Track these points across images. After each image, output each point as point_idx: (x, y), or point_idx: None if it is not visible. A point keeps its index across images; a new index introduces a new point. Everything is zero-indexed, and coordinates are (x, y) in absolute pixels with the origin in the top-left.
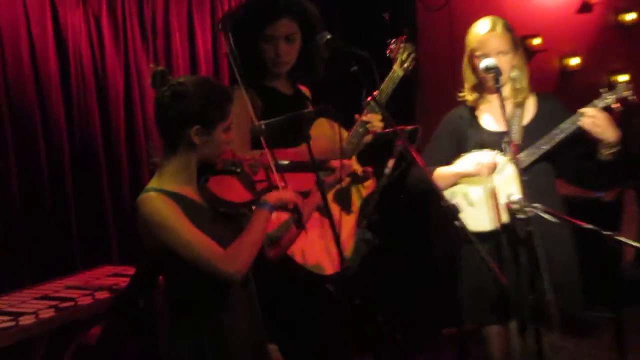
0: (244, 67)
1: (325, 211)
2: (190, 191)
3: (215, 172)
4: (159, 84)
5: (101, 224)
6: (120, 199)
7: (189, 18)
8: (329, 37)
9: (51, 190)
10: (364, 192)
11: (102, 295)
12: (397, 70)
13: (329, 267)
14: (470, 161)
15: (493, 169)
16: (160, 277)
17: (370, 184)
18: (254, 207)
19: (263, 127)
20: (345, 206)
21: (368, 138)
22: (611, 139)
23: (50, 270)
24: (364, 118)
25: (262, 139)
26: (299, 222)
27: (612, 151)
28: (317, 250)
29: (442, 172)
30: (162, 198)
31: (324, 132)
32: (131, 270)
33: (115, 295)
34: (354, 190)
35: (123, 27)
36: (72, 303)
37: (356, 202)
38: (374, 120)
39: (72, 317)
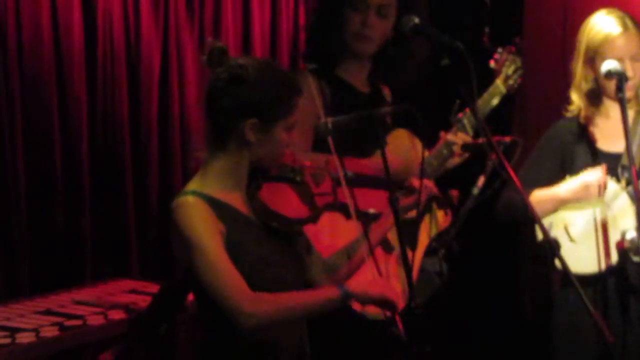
0: (318, 42)
1: (388, 242)
2: (237, 199)
3: (270, 177)
4: (216, 63)
5: (121, 229)
6: (146, 201)
7: None
8: (416, 21)
9: (64, 185)
10: (442, 222)
11: (116, 315)
12: (499, 86)
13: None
14: (575, 184)
15: (604, 187)
16: (189, 299)
17: (449, 212)
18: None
19: (330, 125)
20: (413, 240)
21: (452, 162)
22: None
23: (56, 279)
24: (451, 137)
25: (330, 142)
26: (392, 322)
27: None
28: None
29: (539, 197)
30: (201, 205)
31: (401, 146)
32: (153, 288)
33: (132, 316)
34: (426, 219)
35: None
36: (80, 322)
37: (427, 234)
38: (462, 143)
39: (80, 339)
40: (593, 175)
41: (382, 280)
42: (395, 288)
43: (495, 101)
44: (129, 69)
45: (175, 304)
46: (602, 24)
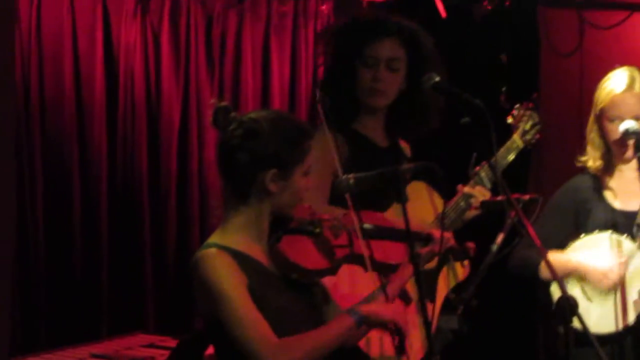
0: (334, 104)
1: (406, 293)
2: (258, 251)
3: (290, 230)
4: (221, 123)
5: (138, 283)
6: (163, 255)
7: (265, 42)
8: (437, 79)
9: (82, 238)
10: (460, 274)
11: None
12: (516, 141)
13: None
14: (593, 265)
15: (618, 283)
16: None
17: (467, 264)
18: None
19: (352, 181)
20: (431, 292)
21: (470, 214)
22: None
23: (72, 333)
24: (468, 190)
25: (347, 198)
26: (400, 348)
27: None
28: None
29: (553, 261)
30: (224, 258)
31: (419, 199)
32: (170, 342)
33: None
34: (445, 271)
35: (186, 47)
36: None
37: (446, 285)
38: (480, 196)
39: None
40: (615, 267)
41: (393, 305)
42: (414, 340)
43: (511, 156)
44: (149, 124)
45: (194, 357)
46: (611, 82)
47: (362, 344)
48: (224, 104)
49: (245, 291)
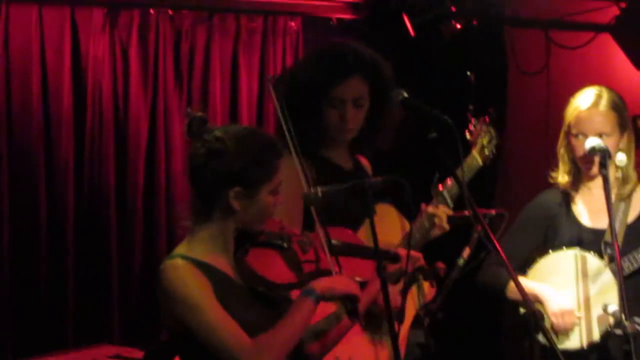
0: (299, 133)
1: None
2: (223, 263)
3: (257, 243)
4: (195, 134)
5: (104, 294)
6: (129, 266)
7: (234, 58)
8: (405, 95)
9: (47, 250)
10: (428, 293)
11: None
12: (475, 157)
13: None
14: (553, 298)
15: (569, 329)
16: None
17: (435, 285)
18: (296, 293)
19: (319, 194)
20: (399, 314)
21: (434, 234)
22: None
23: (38, 344)
24: (432, 210)
25: (312, 210)
26: (354, 312)
27: None
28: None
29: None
30: (190, 268)
31: (387, 221)
32: (136, 353)
33: None
34: (413, 290)
35: (154, 61)
36: None
37: (414, 305)
38: (443, 215)
39: None
40: (569, 305)
41: (344, 277)
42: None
43: (472, 172)
44: (117, 138)
45: None
46: (578, 99)
47: None
48: (200, 114)
49: (213, 298)
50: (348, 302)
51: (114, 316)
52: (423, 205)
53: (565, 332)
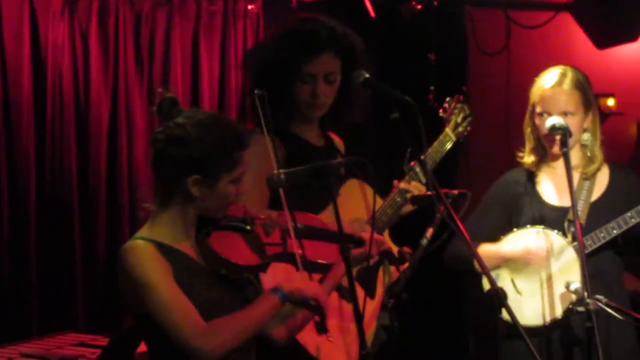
0: (270, 109)
1: (346, 291)
2: (186, 246)
3: (220, 226)
4: (166, 114)
5: (68, 282)
6: (93, 254)
7: (194, 42)
8: (366, 76)
9: (9, 238)
10: (395, 273)
11: None
12: (449, 134)
13: None
14: (519, 245)
15: (546, 260)
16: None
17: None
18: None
19: (283, 177)
20: (369, 289)
21: (406, 209)
22: None
23: (1, 332)
24: (404, 186)
25: (281, 192)
26: (321, 326)
27: None
28: (334, 346)
29: (485, 251)
30: (150, 250)
31: (353, 197)
32: (101, 340)
33: None
34: (380, 273)
35: (115, 46)
36: None
37: (382, 287)
38: (415, 190)
39: None
40: (537, 242)
41: (316, 284)
42: (352, 342)
43: (446, 148)
44: (78, 123)
45: (125, 354)
46: (542, 78)
47: (312, 349)
48: (170, 95)
49: (171, 279)
50: (315, 310)
51: (78, 304)
52: (395, 182)
53: (541, 262)
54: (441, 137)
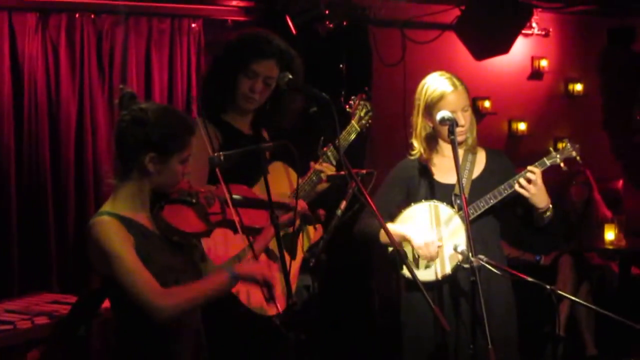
0: (208, 100)
1: (273, 252)
2: (143, 217)
3: (171, 200)
4: (125, 106)
5: (44, 251)
6: (64, 228)
7: (147, 54)
8: (290, 77)
9: None
10: (313, 236)
11: (41, 320)
12: (354, 125)
13: (273, 309)
14: (419, 239)
15: (434, 257)
16: (102, 308)
17: (319, 228)
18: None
19: (222, 158)
20: (292, 250)
21: (321, 187)
22: (541, 205)
23: None
24: (318, 167)
25: (218, 171)
26: (270, 297)
27: (544, 216)
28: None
29: (391, 229)
30: (115, 223)
31: (278, 176)
32: (71, 299)
33: (55, 321)
34: (302, 235)
35: (80, 58)
36: (10, 327)
37: (302, 247)
38: (328, 171)
39: (11, 340)
40: (431, 238)
41: (261, 264)
42: (278, 292)
43: (352, 137)
44: (50, 121)
45: (91, 309)
46: (437, 84)
47: (243, 296)
48: (129, 90)
49: (132, 249)
50: (262, 286)
51: (52, 269)
52: (312, 163)
53: (432, 259)
54: (348, 127)
